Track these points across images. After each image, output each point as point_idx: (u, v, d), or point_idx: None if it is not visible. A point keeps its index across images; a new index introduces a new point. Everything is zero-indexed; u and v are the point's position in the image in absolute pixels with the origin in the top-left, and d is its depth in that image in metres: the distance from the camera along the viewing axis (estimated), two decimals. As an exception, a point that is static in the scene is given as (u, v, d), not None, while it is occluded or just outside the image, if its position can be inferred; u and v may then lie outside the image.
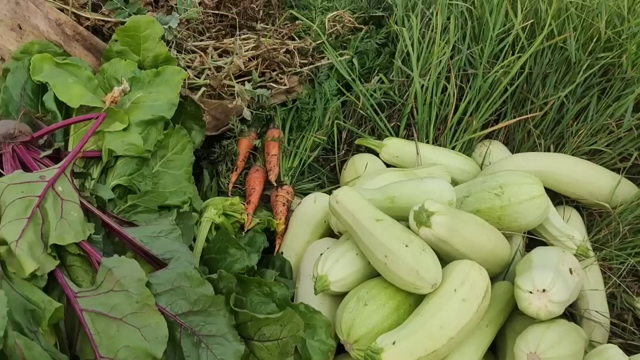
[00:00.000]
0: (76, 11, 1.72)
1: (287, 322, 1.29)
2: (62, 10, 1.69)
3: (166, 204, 1.53)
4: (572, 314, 1.74)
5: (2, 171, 1.38)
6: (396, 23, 2.21)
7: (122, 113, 1.54)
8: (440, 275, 1.38)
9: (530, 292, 1.36)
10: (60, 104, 1.55)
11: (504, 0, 2.02)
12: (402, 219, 1.51)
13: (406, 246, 1.37)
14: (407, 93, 2.03)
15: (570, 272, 1.51)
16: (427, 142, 2.03)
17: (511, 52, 2.03)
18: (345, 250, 1.50)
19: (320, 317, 1.40)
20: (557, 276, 1.38)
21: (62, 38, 1.68)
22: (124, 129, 1.53)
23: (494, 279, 1.62)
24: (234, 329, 1.24)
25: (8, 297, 1.11)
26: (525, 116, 2.00)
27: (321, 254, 1.51)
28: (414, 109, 2.01)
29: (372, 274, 1.48)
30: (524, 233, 1.74)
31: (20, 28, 1.66)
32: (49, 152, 1.44)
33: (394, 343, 1.28)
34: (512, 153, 2.02)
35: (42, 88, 1.59)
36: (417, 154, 1.93)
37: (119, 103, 1.57)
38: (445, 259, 1.50)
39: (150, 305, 1.20)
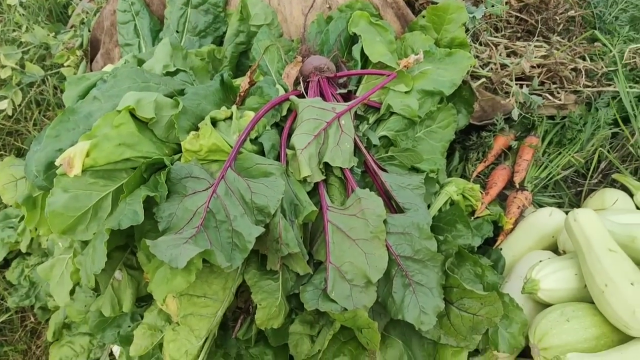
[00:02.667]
0: (400, -17, 1.96)
1: (488, 304, 1.38)
2: (390, -21, 1.94)
3: (417, 167, 1.71)
4: None
5: (305, 95, 1.68)
6: None
7: (409, 77, 1.74)
8: (656, 325, 1.34)
9: None
10: (363, 55, 1.81)
11: None
12: (636, 262, 1.48)
13: (631, 284, 1.36)
14: (691, 146, 1.91)
15: None
16: (692, 203, 1.90)
17: None
18: (566, 267, 1.53)
19: (520, 313, 1.46)
20: None
21: (381, 3, 1.94)
22: (406, 92, 1.74)
23: None
24: (441, 287, 1.38)
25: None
26: None
27: (540, 261, 1.56)
28: (692, 164, 1.89)
29: (583, 299, 1.49)
30: None
31: (353, -14, 1.96)
32: (343, 90, 1.71)
33: (584, 364, 1.31)
34: None
35: (353, 39, 1.87)
36: (677, 209, 1.82)
37: (409, 69, 1.77)
38: (667, 316, 1.45)
39: (380, 239, 1.39)
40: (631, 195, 1.91)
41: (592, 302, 1.46)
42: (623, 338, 1.40)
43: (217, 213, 1.30)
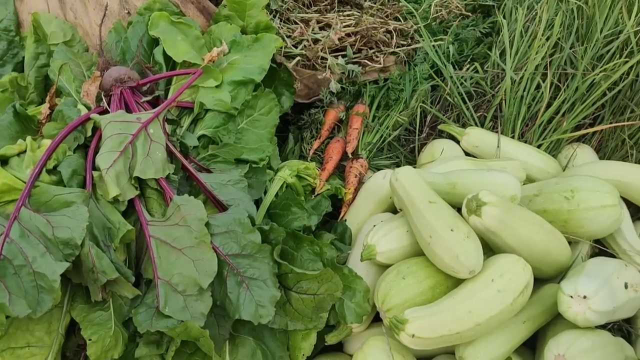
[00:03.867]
0: (195, -24, 1.90)
1: (326, 281, 1.40)
2: (182, -27, 1.88)
3: (244, 158, 1.69)
4: (630, 332, 1.69)
5: (109, 109, 1.60)
6: (504, 15, 2.18)
7: (216, 72, 1.71)
8: (480, 263, 1.41)
9: (571, 297, 1.36)
10: (167, 57, 1.75)
11: (619, 1, 1.94)
12: (460, 206, 1.55)
13: (451, 230, 1.42)
14: (500, 85, 2.03)
15: (626, 286, 1.48)
16: (513, 137, 2.01)
17: (618, 55, 1.94)
18: (398, 226, 1.57)
19: (361, 282, 1.49)
20: (603, 286, 1.36)
21: (181, -1, 1.88)
22: (217, 86, 1.70)
23: (547, 280, 1.62)
24: (275, 277, 1.37)
25: (92, 214, 1.33)
26: (621, 124, 1.92)
27: (374, 225, 1.60)
28: (504, 102, 2.00)
29: (418, 252, 1.54)
30: (592, 241, 1.70)
31: (146, -13, 1.88)
32: (149, 97, 1.65)
33: (420, 317, 1.35)
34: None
35: (156, 42, 1.80)
36: (498, 146, 1.93)
37: (217, 63, 1.74)
38: (495, 250, 1.53)
39: (206, 243, 1.36)
40: (458, 142, 2.01)
41: (425, 255, 1.51)
42: (456, 282, 1.46)
43: (14, 258, 1.21)
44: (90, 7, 1.91)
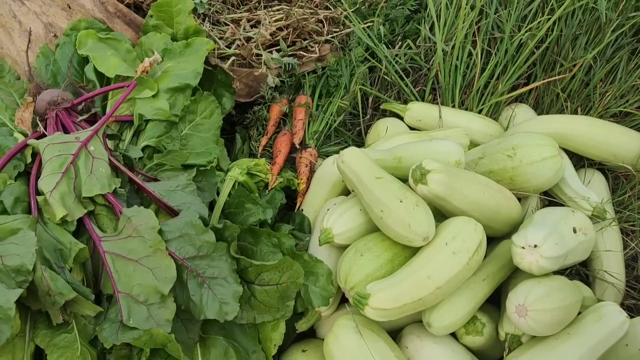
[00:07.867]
0: (117, -10, 1.90)
1: (287, 269, 1.41)
2: (104, -11, 1.87)
3: (191, 163, 1.69)
4: (587, 274, 1.75)
5: (46, 133, 1.58)
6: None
7: (151, 81, 1.71)
8: (432, 230, 1.44)
9: (523, 248, 1.40)
10: (99, 74, 1.74)
11: (535, -38, 2.00)
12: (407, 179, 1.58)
13: (400, 201, 1.45)
14: (434, 58, 2.07)
15: (574, 231, 1.53)
16: (453, 106, 2.06)
17: (541, 14, 2.01)
18: (350, 206, 1.60)
19: (322, 265, 1.51)
20: (551, 233, 1.41)
21: (106, 15, 1.87)
22: (153, 96, 1.70)
23: (503, 237, 1.67)
24: (235, 273, 1.38)
25: (41, 238, 1.32)
26: (552, 78, 1.99)
27: (328, 209, 1.62)
28: (439, 73, 2.05)
29: (374, 228, 1.57)
30: (541, 194, 1.76)
31: (70, 7, 1.87)
32: (85, 116, 1.64)
33: (381, 289, 1.38)
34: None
35: (86, 60, 1.79)
36: (440, 117, 1.97)
37: (150, 72, 1.74)
38: (447, 215, 1.57)
39: (161, 250, 1.36)
40: (402, 118, 2.05)
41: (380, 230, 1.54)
42: (413, 251, 1.49)
43: (-34, 292, 1.20)
44: (15, 35, 1.89)
